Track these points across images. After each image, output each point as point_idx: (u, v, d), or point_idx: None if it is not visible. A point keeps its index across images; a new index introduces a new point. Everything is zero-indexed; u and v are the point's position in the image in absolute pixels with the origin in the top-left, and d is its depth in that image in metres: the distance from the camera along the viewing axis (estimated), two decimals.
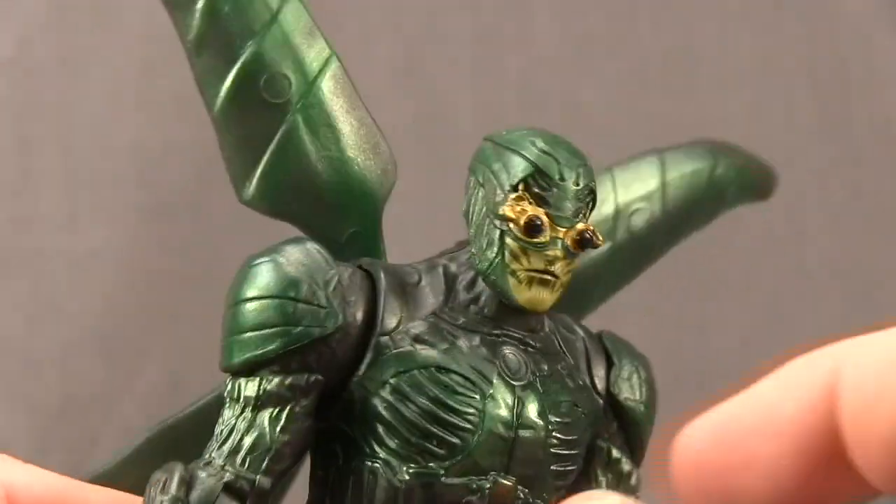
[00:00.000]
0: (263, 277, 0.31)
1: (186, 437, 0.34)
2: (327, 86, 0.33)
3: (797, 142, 0.68)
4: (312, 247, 0.32)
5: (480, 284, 0.32)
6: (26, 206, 0.63)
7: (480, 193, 0.32)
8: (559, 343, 0.34)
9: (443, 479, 0.31)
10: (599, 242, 0.32)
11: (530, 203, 0.31)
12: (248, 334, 0.31)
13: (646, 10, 0.67)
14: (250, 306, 0.31)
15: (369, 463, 0.31)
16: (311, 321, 0.31)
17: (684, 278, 0.67)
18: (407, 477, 0.31)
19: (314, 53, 0.33)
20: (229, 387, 0.31)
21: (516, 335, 0.33)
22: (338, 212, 0.34)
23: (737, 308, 0.67)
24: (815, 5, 0.68)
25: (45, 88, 0.63)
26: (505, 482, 0.31)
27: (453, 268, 0.33)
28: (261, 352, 0.31)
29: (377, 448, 0.31)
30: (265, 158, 0.33)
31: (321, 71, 0.33)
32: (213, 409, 0.32)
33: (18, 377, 0.62)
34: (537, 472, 0.32)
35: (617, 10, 0.67)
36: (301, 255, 0.31)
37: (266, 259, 0.31)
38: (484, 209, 0.32)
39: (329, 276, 0.31)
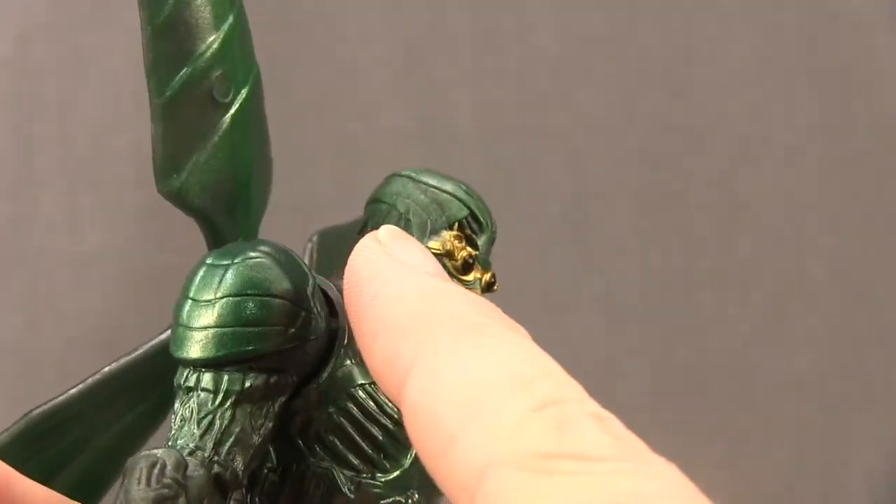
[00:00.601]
0: (263, 275, 0.31)
1: (63, 422, 0.34)
2: (253, 94, 0.34)
3: (797, 142, 0.68)
4: (291, 251, 0.32)
5: None
6: (26, 206, 0.63)
7: (404, 225, 0.33)
8: None
9: (383, 490, 0.32)
10: (496, 289, 0.34)
11: (462, 241, 0.33)
12: (245, 329, 0.31)
13: (646, 9, 0.67)
14: (250, 302, 0.31)
15: (314, 468, 0.32)
16: (303, 325, 0.31)
17: (683, 280, 0.67)
18: (351, 485, 0.32)
19: (248, 59, 0.34)
20: (197, 377, 0.31)
21: None
22: (237, 217, 0.34)
23: (737, 308, 0.67)
24: (816, 5, 0.68)
25: (45, 88, 0.63)
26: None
27: None
28: (252, 348, 0.31)
29: (322, 454, 0.32)
30: (198, 154, 0.33)
31: (255, 75, 0.34)
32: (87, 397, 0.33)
33: (18, 377, 0.62)
34: None
35: (617, 9, 0.67)
36: (289, 258, 0.32)
37: (263, 258, 0.31)
38: None
39: (311, 282, 0.32)
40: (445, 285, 0.29)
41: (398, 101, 0.66)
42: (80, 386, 0.34)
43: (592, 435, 0.24)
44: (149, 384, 0.35)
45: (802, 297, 0.68)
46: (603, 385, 0.66)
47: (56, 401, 0.34)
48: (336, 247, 0.37)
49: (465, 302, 0.28)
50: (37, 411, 0.34)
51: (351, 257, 0.30)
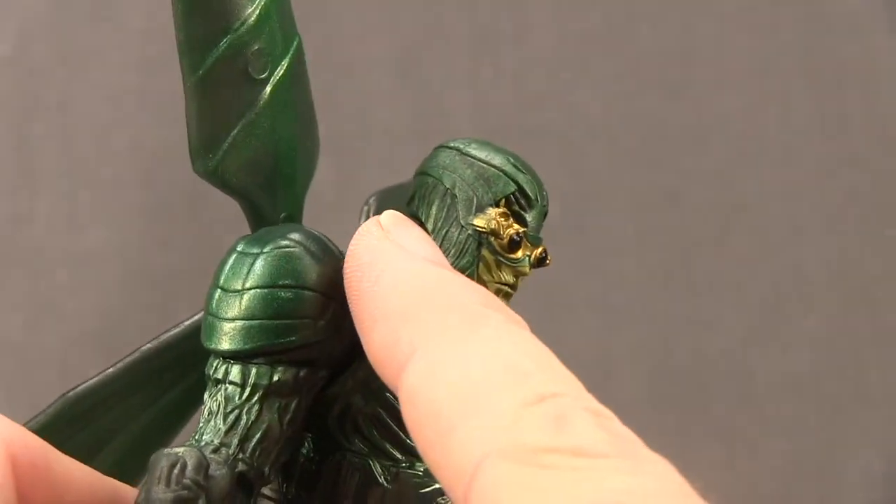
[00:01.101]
0: (293, 265, 0.31)
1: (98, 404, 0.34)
2: (294, 67, 0.33)
3: (795, 141, 0.68)
4: (325, 238, 0.32)
5: None
6: (26, 206, 0.63)
7: (449, 201, 0.32)
8: None
9: (423, 479, 0.31)
10: (549, 263, 0.33)
11: (509, 219, 0.32)
12: (273, 321, 0.30)
13: (644, 9, 0.67)
14: (279, 294, 0.30)
15: (350, 458, 0.31)
16: (333, 317, 0.31)
17: (683, 278, 0.67)
18: (389, 474, 0.31)
19: (288, 29, 0.33)
20: (226, 368, 0.31)
21: None
22: (279, 194, 0.33)
23: (736, 308, 0.67)
24: (813, 5, 0.68)
25: (45, 88, 0.63)
26: None
27: None
28: (283, 340, 0.30)
29: (360, 444, 0.31)
30: (234, 132, 0.32)
31: (294, 51, 0.33)
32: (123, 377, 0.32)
33: (18, 377, 0.62)
34: None
35: (615, 9, 0.67)
36: (321, 245, 0.31)
37: (294, 247, 0.31)
38: (455, 216, 0.32)
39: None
40: (447, 273, 0.29)
41: (395, 101, 0.66)
42: (119, 365, 0.34)
43: (588, 431, 0.24)
44: (188, 363, 0.34)
45: (800, 298, 0.68)
46: (600, 385, 0.66)
47: (91, 381, 0.34)
48: (394, 206, 0.37)
49: (466, 291, 0.28)
50: (72, 393, 0.34)
51: (352, 242, 0.30)
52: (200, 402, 0.34)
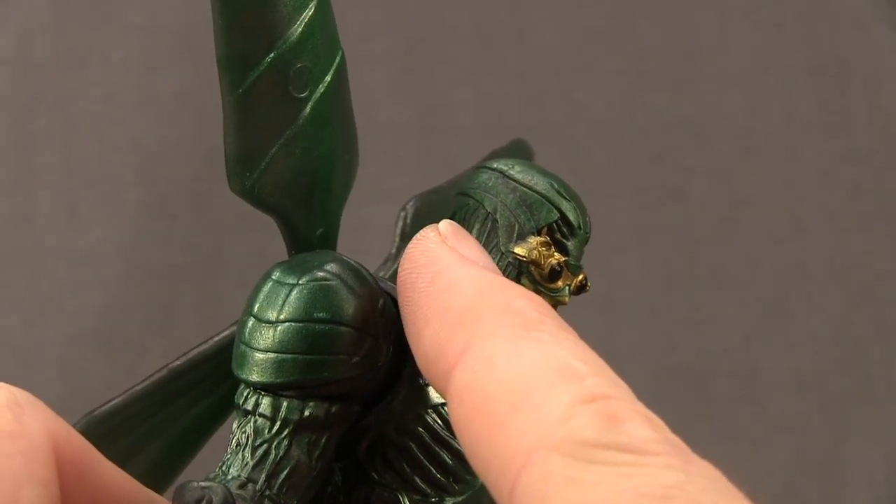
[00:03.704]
0: (329, 299, 0.30)
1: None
2: (335, 82, 0.32)
3: (798, 138, 0.68)
4: (362, 268, 0.31)
5: None
6: (26, 204, 0.63)
7: (490, 226, 0.31)
8: None
9: None
10: (588, 289, 0.33)
11: (550, 248, 0.31)
12: (307, 357, 0.30)
13: (646, 7, 0.67)
14: (314, 328, 0.30)
15: (380, 491, 0.31)
16: (368, 353, 0.30)
17: (686, 275, 0.67)
18: None
19: (331, 44, 0.32)
20: (256, 400, 0.30)
21: None
22: (316, 210, 0.33)
23: (739, 305, 0.67)
24: (816, 1, 0.68)
25: (45, 87, 0.63)
26: None
27: None
28: (316, 376, 0.29)
29: (390, 477, 0.31)
30: (273, 151, 0.31)
31: (336, 66, 0.32)
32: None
33: (18, 375, 0.62)
34: None
35: (617, 7, 0.67)
36: (358, 279, 0.30)
37: (331, 280, 0.30)
38: (495, 242, 0.31)
39: (380, 302, 0.30)
40: (502, 280, 0.29)
41: (398, 98, 0.65)
42: (146, 382, 0.33)
43: (640, 430, 0.24)
44: (216, 379, 0.34)
45: (803, 295, 0.68)
46: None
47: (117, 400, 0.33)
48: (431, 215, 0.36)
49: (521, 297, 0.28)
50: (98, 411, 0.33)
51: (409, 246, 0.30)
52: (226, 417, 0.34)
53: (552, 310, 0.28)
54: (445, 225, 0.30)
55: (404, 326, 0.29)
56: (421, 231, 0.30)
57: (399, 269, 0.30)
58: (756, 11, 0.68)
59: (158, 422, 0.34)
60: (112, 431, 0.33)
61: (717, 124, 0.68)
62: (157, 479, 0.34)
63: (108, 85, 0.64)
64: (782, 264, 0.68)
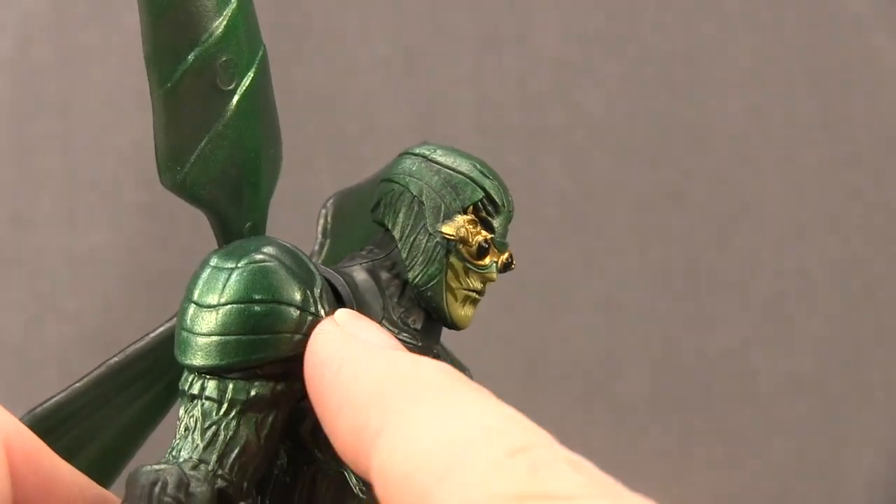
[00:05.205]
0: (268, 280, 0.30)
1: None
2: (259, 76, 0.33)
3: (798, 142, 0.68)
4: (299, 250, 0.32)
5: (407, 296, 0.33)
6: (26, 206, 0.63)
7: (417, 208, 0.32)
8: (449, 360, 0.35)
9: None
10: (513, 267, 0.34)
11: (477, 226, 0.32)
12: (250, 337, 0.30)
13: (647, 9, 0.67)
14: (255, 308, 0.30)
15: (325, 470, 0.31)
16: (309, 330, 0.30)
17: (686, 278, 0.67)
18: (364, 485, 0.31)
19: (254, 40, 0.33)
20: (201, 384, 0.30)
21: (433, 350, 0.33)
22: (245, 203, 0.33)
23: (739, 308, 0.67)
24: (816, 6, 0.68)
25: (45, 88, 0.63)
26: None
27: (383, 275, 0.33)
28: (259, 356, 0.30)
29: (329, 454, 0.31)
30: (202, 144, 0.32)
31: (259, 60, 0.33)
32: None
33: (18, 377, 0.62)
34: None
35: (617, 9, 0.67)
36: (296, 260, 0.31)
37: (269, 261, 0.31)
38: (422, 224, 0.32)
39: (318, 282, 0.31)
40: (408, 356, 0.29)
41: (398, 101, 0.66)
42: (86, 379, 0.34)
43: (564, 475, 0.24)
44: (156, 373, 0.34)
45: (802, 298, 0.68)
46: (604, 385, 0.67)
47: (58, 397, 0.34)
48: (352, 211, 0.37)
49: (425, 368, 0.28)
50: (40, 409, 0.34)
51: (310, 341, 0.30)
52: (169, 408, 0.35)
53: (458, 373, 0.28)
54: (342, 314, 0.31)
55: (319, 420, 0.29)
56: (319, 325, 0.30)
57: (305, 365, 0.30)
58: (756, 16, 0.68)
59: (101, 417, 0.35)
60: (57, 427, 0.34)
61: (717, 128, 0.68)
62: (102, 472, 0.35)
63: (107, 88, 0.64)
64: (782, 267, 0.68)
